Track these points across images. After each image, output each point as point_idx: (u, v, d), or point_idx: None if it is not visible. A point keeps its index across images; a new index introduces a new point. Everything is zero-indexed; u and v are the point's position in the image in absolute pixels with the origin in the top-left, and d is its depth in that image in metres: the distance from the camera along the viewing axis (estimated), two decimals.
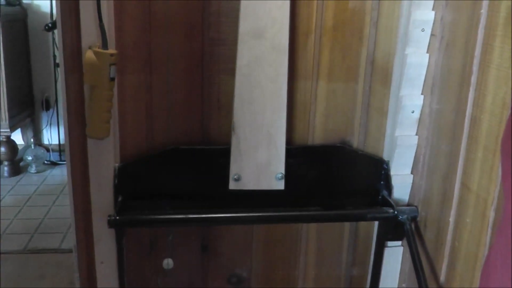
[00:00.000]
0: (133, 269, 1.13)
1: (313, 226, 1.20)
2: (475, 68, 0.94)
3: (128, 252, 1.10)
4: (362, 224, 1.21)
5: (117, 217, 0.99)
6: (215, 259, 1.17)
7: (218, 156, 1.06)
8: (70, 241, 1.09)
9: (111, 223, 0.99)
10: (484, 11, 0.91)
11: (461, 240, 0.98)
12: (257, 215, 1.08)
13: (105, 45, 0.93)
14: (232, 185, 1.06)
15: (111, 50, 0.94)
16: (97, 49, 0.92)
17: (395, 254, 1.19)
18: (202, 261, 1.17)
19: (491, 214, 0.88)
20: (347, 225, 1.21)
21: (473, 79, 0.94)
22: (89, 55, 0.91)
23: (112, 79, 0.94)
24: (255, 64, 1.03)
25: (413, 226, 1.11)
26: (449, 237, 1.02)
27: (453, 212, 1.01)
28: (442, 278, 1.05)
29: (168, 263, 1.13)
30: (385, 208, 1.10)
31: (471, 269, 0.95)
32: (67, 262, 1.79)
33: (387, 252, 1.19)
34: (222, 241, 1.17)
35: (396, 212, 1.09)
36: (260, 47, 1.02)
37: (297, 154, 1.11)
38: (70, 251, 1.25)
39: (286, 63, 1.04)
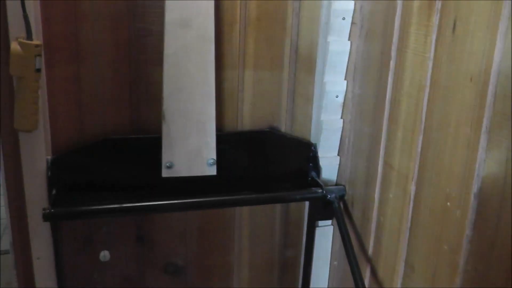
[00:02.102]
0: (70, 263, 1.11)
1: (246, 211, 1.23)
2: (393, 54, 1.00)
3: (65, 246, 1.08)
4: (293, 206, 1.25)
5: (52, 210, 0.97)
6: (151, 249, 1.18)
7: (150, 145, 1.07)
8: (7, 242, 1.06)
9: (46, 216, 0.97)
10: (399, 0, 0.97)
11: (386, 215, 1.05)
12: (190, 201, 1.09)
13: (29, 36, 0.90)
14: (165, 173, 1.07)
15: (36, 41, 0.92)
16: (22, 40, 0.89)
17: (325, 234, 1.25)
18: (138, 252, 1.17)
19: (412, 189, 0.95)
20: (278, 208, 1.25)
21: (392, 64, 1.00)
22: (14, 46, 0.89)
23: (38, 70, 0.92)
24: (182, 53, 1.04)
25: (341, 205, 1.17)
26: (374, 214, 1.09)
27: (377, 190, 1.07)
28: (370, 252, 1.12)
29: (104, 255, 1.12)
30: (314, 189, 1.15)
31: (395, 242, 1.02)
32: (6, 262, 1.73)
33: (318, 232, 1.24)
34: (157, 230, 1.17)
35: (324, 192, 1.15)
36: (187, 36, 1.03)
37: (227, 140, 1.13)
38: (7, 252, 1.21)
39: (213, 52, 1.06)
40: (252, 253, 1.27)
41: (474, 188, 0.80)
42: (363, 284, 1.05)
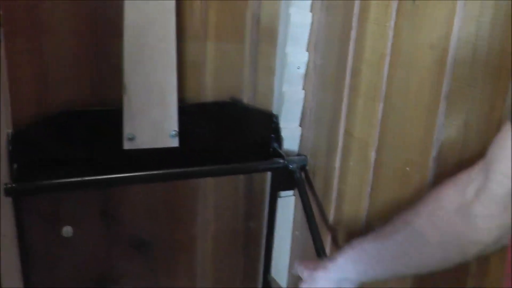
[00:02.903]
0: (34, 240, 1.08)
1: (210, 184, 1.23)
2: (354, 24, 1.01)
3: (29, 223, 1.05)
4: (256, 177, 1.27)
5: (14, 185, 0.94)
6: (115, 224, 1.16)
7: (112, 118, 1.05)
8: None
9: (8, 191, 0.94)
10: None
11: (346, 183, 1.07)
12: (152, 174, 1.08)
13: None
14: (127, 145, 1.06)
15: None
16: None
17: (288, 204, 1.27)
18: (102, 227, 1.15)
19: (372, 155, 0.98)
20: (241, 179, 1.26)
21: (353, 34, 1.02)
22: None
23: None
24: (143, 24, 1.02)
25: (303, 175, 1.19)
26: (335, 182, 1.11)
27: (338, 158, 1.10)
28: (331, 220, 1.14)
29: (67, 231, 1.10)
30: (276, 159, 1.17)
31: (355, 209, 1.05)
32: None
33: (281, 203, 1.26)
34: (121, 205, 1.16)
35: (286, 162, 1.16)
36: (147, 7, 1.02)
37: (190, 111, 1.12)
38: None
39: (174, 22, 1.04)
40: (216, 225, 1.28)
41: (433, 152, 0.83)
42: (324, 252, 1.07)
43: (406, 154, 0.89)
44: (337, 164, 1.10)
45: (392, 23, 0.90)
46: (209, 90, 1.16)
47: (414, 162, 0.87)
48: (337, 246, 1.12)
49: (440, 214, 0.66)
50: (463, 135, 0.77)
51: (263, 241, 1.31)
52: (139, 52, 1.03)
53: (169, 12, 1.03)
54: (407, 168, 0.89)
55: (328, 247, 1.15)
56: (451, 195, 0.66)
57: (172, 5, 1.03)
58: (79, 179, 1.00)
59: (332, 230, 1.15)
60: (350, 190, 1.06)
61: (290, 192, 1.27)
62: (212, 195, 1.25)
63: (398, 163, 0.91)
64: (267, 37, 1.17)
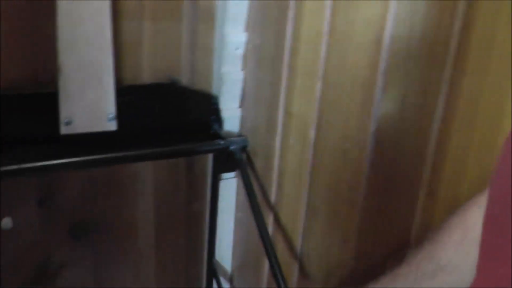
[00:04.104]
0: None
1: (150, 167, 1.20)
2: (291, 3, 1.02)
3: None
4: (197, 160, 1.25)
5: None
6: (55, 212, 1.12)
7: (48, 101, 1.00)
8: None
9: None
10: None
11: (287, 161, 1.08)
12: (89, 159, 1.04)
13: None
14: (64, 130, 1.01)
15: None
16: None
17: (229, 186, 1.27)
18: (41, 216, 1.11)
19: (311, 133, 0.99)
20: (182, 162, 1.25)
21: (291, 13, 1.02)
22: None
23: None
24: (76, 2, 0.98)
25: (244, 156, 1.19)
26: (276, 162, 1.12)
27: (278, 138, 1.10)
28: (273, 200, 1.15)
29: (6, 222, 1.04)
30: (217, 141, 1.16)
31: (297, 187, 1.06)
32: None
33: (222, 185, 1.25)
34: (59, 192, 1.11)
35: (227, 143, 1.15)
36: None
37: (128, 93, 1.09)
38: None
39: (108, 1, 1.01)
40: (157, 210, 1.26)
41: (371, 127, 0.85)
42: (266, 231, 1.08)
43: (345, 130, 0.91)
44: (277, 143, 1.11)
45: (329, 1, 0.91)
46: (147, 70, 1.13)
47: (353, 138, 0.89)
48: (279, 224, 1.14)
49: (471, 243, 0.56)
50: (401, 109, 0.79)
51: (206, 225, 1.30)
52: (73, 31, 0.99)
53: None
54: (347, 144, 0.91)
55: (270, 226, 1.16)
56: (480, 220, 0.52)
57: None
58: (14, 167, 0.96)
59: (274, 209, 1.15)
60: (291, 169, 1.07)
61: (232, 174, 1.26)
62: (152, 178, 1.23)
63: (338, 140, 0.93)
64: (205, 17, 1.16)
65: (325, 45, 0.93)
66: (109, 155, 1.07)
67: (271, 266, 1.01)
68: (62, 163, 1.02)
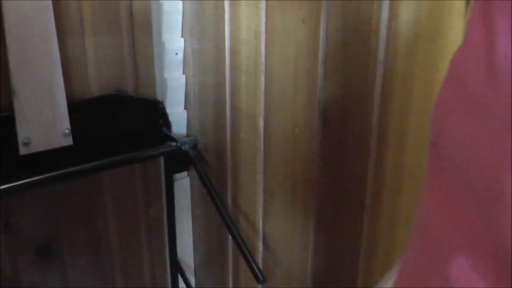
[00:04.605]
0: None
1: (107, 178, 1.24)
2: (226, 7, 1.10)
3: None
4: (150, 165, 1.31)
5: None
6: (19, 235, 1.13)
7: (5, 123, 1.02)
8: None
9: None
10: None
11: (240, 153, 1.17)
12: (50, 175, 1.07)
13: None
14: (23, 150, 1.04)
15: None
16: None
17: (183, 186, 1.33)
18: (7, 240, 1.11)
19: (261, 124, 1.08)
20: (137, 169, 1.29)
21: (227, 16, 1.11)
22: None
23: None
24: (23, 24, 1.01)
25: (195, 154, 1.26)
26: (229, 155, 1.20)
27: (228, 133, 1.19)
28: (229, 191, 1.23)
29: None
30: (169, 143, 1.22)
31: (252, 175, 1.15)
32: None
33: (177, 185, 1.32)
34: (24, 214, 1.13)
35: (179, 144, 1.22)
36: (25, 6, 1.00)
37: (79, 108, 1.13)
38: None
39: (53, 19, 1.04)
40: (118, 219, 1.30)
41: (318, 112, 0.95)
42: (231, 220, 1.16)
43: (293, 117, 1.01)
44: (228, 138, 1.19)
45: (263, 4, 1.01)
46: (94, 84, 1.18)
47: (301, 124, 0.99)
48: (240, 211, 1.21)
49: None
50: (343, 92, 0.90)
51: (165, 226, 1.35)
52: (23, 52, 1.02)
53: (46, 9, 1.03)
54: (296, 130, 1.01)
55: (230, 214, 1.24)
56: None
57: (48, 4, 1.02)
58: None
59: (233, 198, 1.23)
60: (244, 159, 1.16)
61: (184, 174, 1.33)
62: (110, 189, 1.27)
63: (287, 127, 1.03)
64: (142, 27, 1.21)
65: (264, 43, 1.03)
66: (68, 169, 1.10)
67: (236, 244, 1.10)
68: (24, 183, 1.04)
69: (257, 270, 1.06)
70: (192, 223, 1.38)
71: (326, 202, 0.98)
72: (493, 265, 0.34)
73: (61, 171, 1.09)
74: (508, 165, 0.32)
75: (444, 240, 0.40)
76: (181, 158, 1.26)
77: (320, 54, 0.92)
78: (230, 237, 1.26)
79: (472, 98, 0.36)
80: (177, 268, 1.37)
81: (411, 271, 0.44)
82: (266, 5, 1.01)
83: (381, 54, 0.82)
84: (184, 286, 1.37)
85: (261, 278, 1.06)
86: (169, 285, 1.41)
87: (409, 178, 0.82)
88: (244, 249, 1.09)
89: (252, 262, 1.07)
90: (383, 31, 0.81)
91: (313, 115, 0.96)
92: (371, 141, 0.86)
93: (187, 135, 1.29)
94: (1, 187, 1.00)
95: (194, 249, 1.40)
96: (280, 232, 1.12)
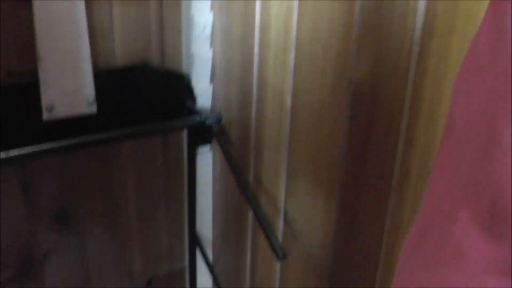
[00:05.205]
0: None
1: (127, 150, 1.24)
2: None
3: None
4: (172, 138, 1.30)
5: None
6: (38, 199, 1.14)
7: (28, 90, 1.02)
8: None
9: None
10: None
11: (264, 130, 1.16)
12: (73, 142, 1.07)
13: None
14: (46, 116, 1.04)
15: None
16: None
17: (206, 160, 1.33)
18: (25, 204, 1.12)
19: (288, 99, 1.07)
20: (158, 142, 1.29)
21: None
22: None
23: None
24: None
25: (219, 129, 1.26)
26: (253, 132, 1.20)
27: (254, 108, 1.18)
28: (252, 167, 1.23)
29: None
30: (193, 116, 1.22)
31: (276, 151, 1.14)
32: None
33: (199, 159, 1.32)
34: (43, 179, 1.14)
35: (203, 118, 1.22)
36: None
37: (104, 77, 1.13)
38: None
39: None
40: (137, 192, 1.30)
41: (348, 91, 0.94)
42: (253, 196, 1.16)
43: (320, 95, 1.00)
44: (253, 114, 1.18)
45: None
46: (119, 55, 1.17)
47: (328, 102, 0.98)
48: (262, 187, 1.21)
49: None
50: (376, 71, 0.88)
51: (186, 198, 1.36)
52: (50, 19, 1.01)
53: None
54: (323, 109, 1.00)
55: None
56: None
57: None
58: (2, 155, 0.97)
59: (255, 173, 1.23)
60: (269, 136, 1.16)
61: (207, 148, 1.33)
62: (131, 162, 1.27)
63: (314, 105, 1.02)
64: None
65: (295, 19, 1.01)
66: (90, 137, 1.11)
67: (258, 220, 1.10)
68: (46, 149, 1.05)
69: (277, 248, 1.07)
70: (212, 197, 1.38)
71: (350, 181, 0.98)
72: (491, 210, 0.36)
73: (83, 138, 1.10)
74: (504, 112, 0.35)
75: (446, 199, 0.42)
76: (205, 132, 1.26)
77: (354, 32, 0.90)
78: (250, 213, 1.26)
79: (478, 62, 0.40)
80: (195, 241, 1.38)
81: (416, 233, 0.46)
82: None
83: (417, 33, 0.80)
84: (202, 258, 1.38)
85: (281, 255, 1.07)
86: (187, 257, 1.42)
87: None
88: (265, 226, 1.09)
89: (272, 239, 1.07)
90: (420, 10, 0.79)
91: (342, 94, 0.95)
92: (402, 121, 0.85)
93: (212, 110, 1.29)
94: (24, 151, 1.01)
95: (213, 223, 1.40)
96: (302, 210, 1.12)
